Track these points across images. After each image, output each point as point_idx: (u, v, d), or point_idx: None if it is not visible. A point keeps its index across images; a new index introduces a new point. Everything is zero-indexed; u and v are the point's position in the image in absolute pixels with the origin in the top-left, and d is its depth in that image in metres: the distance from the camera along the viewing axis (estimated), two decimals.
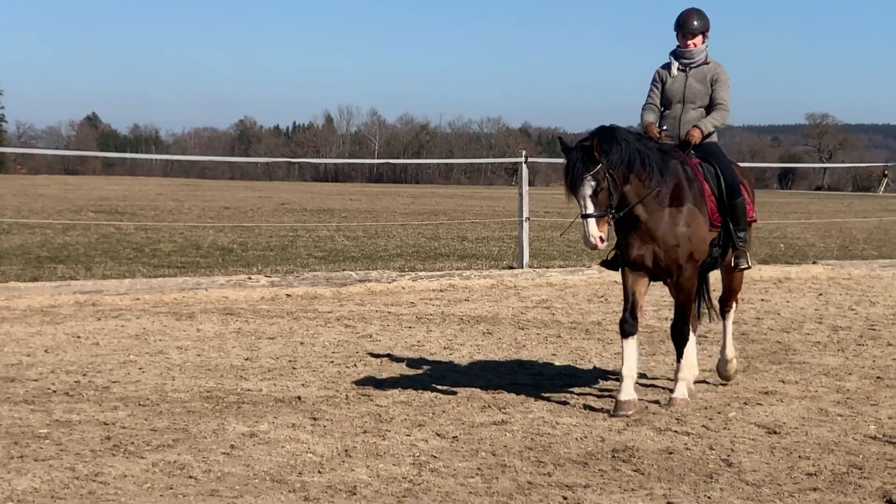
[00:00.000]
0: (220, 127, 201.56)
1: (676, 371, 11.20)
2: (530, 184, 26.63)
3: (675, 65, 11.65)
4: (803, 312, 17.33)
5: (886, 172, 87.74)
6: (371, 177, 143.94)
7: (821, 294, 19.85)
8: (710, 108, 11.58)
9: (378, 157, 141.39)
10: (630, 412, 10.49)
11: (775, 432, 9.98)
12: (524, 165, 23.98)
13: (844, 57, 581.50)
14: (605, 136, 10.27)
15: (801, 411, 10.82)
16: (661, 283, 11.16)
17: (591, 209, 10.08)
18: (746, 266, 11.54)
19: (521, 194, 23.75)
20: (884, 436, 9.90)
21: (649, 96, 11.77)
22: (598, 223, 10.07)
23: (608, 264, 11.39)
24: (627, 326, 10.82)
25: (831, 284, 21.31)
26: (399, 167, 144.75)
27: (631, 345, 10.87)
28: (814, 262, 24.13)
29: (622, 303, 10.94)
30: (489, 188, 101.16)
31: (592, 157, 10.10)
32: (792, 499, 8.08)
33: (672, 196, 10.63)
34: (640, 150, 10.39)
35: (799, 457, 9.21)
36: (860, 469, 8.85)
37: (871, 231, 36.95)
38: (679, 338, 11.15)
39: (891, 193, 76.30)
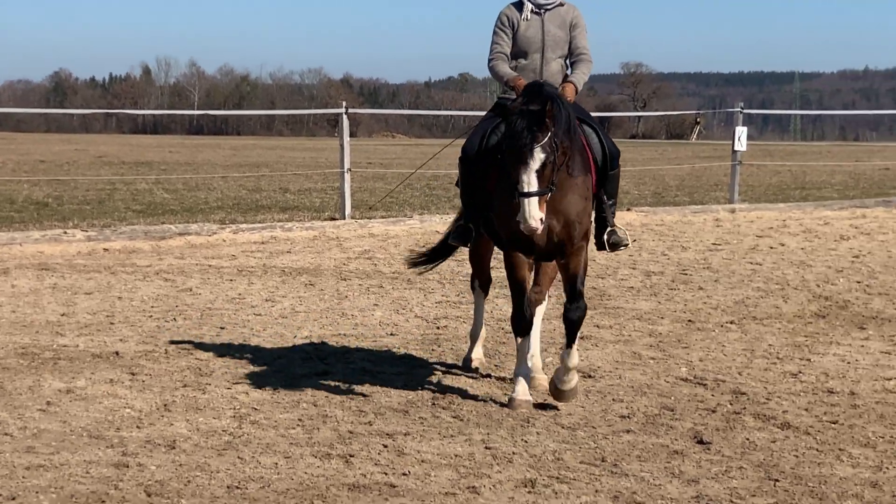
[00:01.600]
0: (35, 79, 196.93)
1: (564, 358, 9.19)
2: (352, 135, 26.60)
3: (529, 6, 9.69)
4: (617, 258, 17.61)
5: (699, 120, 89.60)
6: (191, 129, 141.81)
7: (634, 240, 20.20)
8: (571, 58, 9.88)
9: (198, 109, 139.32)
10: (524, 409, 9.11)
11: (590, 376, 10.18)
12: (345, 116, 23.88)
13: (658, 6, 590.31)
14: (555, 98, 8.65)
15: (616, 355, 11.05)
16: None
17: (534, 186, 8.45)
18: (626, 244, 9.82)
19: (342, 146, 23.66)
20: (695, 378, 10.16)
21: (496, 44, 9.77)
22: (539, 202, 8.46)
23: (459, 237, 9.88)
24: (525, 323, 9.41)
25: (645, 230, 21.68)
26: (220, 119, 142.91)
27: (527, 342, 9.50)
28: (628, 209, 24.45)
29: (512, 295, 9.48)
30: (311, 139, 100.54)
31: (543, 123, 8.48)
32: (606, 441, 8.27)
33: (577, 165, 9.10)
34: (570, 114, 8.83)
35: (613, 400, 9.43)
36: (672, 410, 9.09)
37: (684, 178, 37.62)
38: (579, 321, 9.23)
39: (703, 141, 77.68)
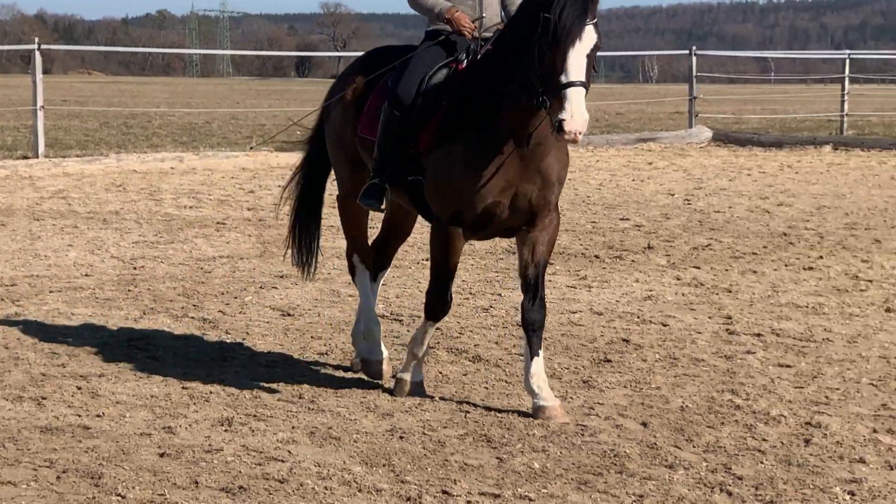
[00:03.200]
0: None
1: (531, 373, 7.59)
2: (47, 72, 25.88)
3: None
4: None
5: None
6: None
7: (335, 179, 20.24)
8: None
9: None
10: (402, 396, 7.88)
11: (289, 314, 10.21)
12: (37, 53, 23.23)
13: None
14: None
15: (315, 293, 11.11)
16: None
17: (583, 75, 6.95)
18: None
19: (34, 83, 23.05)
20: (391, 314, 10.35)
21: None
22: None
23: (372, 198, 7.97)
24: (446, 309, 7.93)
25: None
26: None
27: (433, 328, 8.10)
28: None
29: (439, 278, 7.80)
30: (5, 76, 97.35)
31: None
32: (304, 378, 8.32)
33: None
34: None
35: (311, 337, 9.50)
36: None
37: None
38: (543, 321, 7.77)
39: None
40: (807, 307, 10.74)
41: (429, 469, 6.53)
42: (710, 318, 10.35)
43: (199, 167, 22.07)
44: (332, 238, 14.16)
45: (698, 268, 12.69)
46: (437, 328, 9.50)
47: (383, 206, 8.08)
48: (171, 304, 10.53)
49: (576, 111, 6.80)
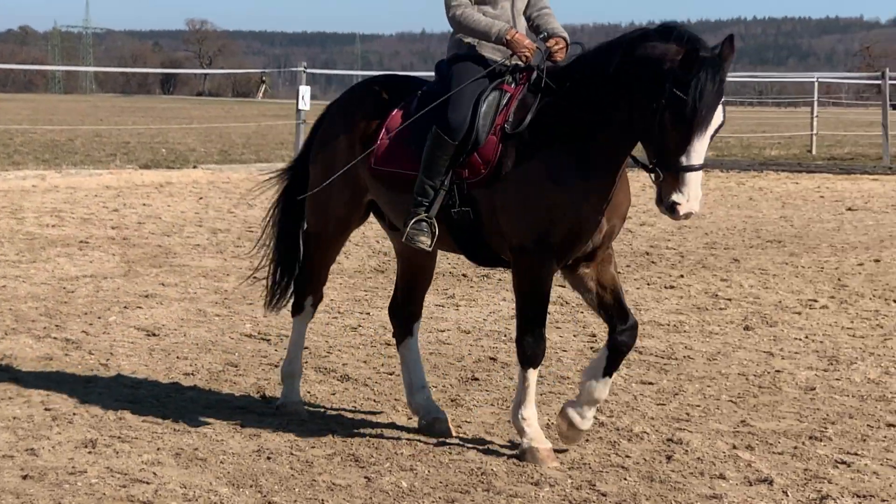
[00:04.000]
0: None
1: (596, 388, 7.24)
2: None
3: None
4: (184, 216, 17.53)
5: (264, 79, 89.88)
6: None
7: (201, 198, 20.12)
8: (535, 10, 7.63)
9: None
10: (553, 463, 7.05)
11: (154, 334, 10.11)
12: None
13: None
14: (729, 40, 6.75)
15: (181, 313, 11.01)
16: None
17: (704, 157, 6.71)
18: None
19: None
20: (259, 333, 10.25)
21: None
22: None
23: (425, 235, 7.27)
24: (544, 350, 7.38)
25: (211, 188, 21.63)
26: None
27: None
28: (194, 167, 24.39)
29: (536, 318, 7.27)
30: None
31: (724, 76, 6.73)
32: (169, 398, 8.24)
33: None
34: None
35: (177, 357, 9.41)
36: (236, 366, 9.14)
37: (250, 136, 37.69)
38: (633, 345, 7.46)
39: (269, 100, 78.05)
40: (668, 325, 10.89)
41: (296, 489, 6.51)
42: (574, 335, 10.46)
43: (61, 185, 21.73)
44: (199, 257, 14.08)
45: (563, 286, 12.74)
46: (304, 348, 9.49)
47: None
48: (34, 324, 10.36)
49: (693, 195, 6.56)
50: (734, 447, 7.36)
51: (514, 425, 7.27)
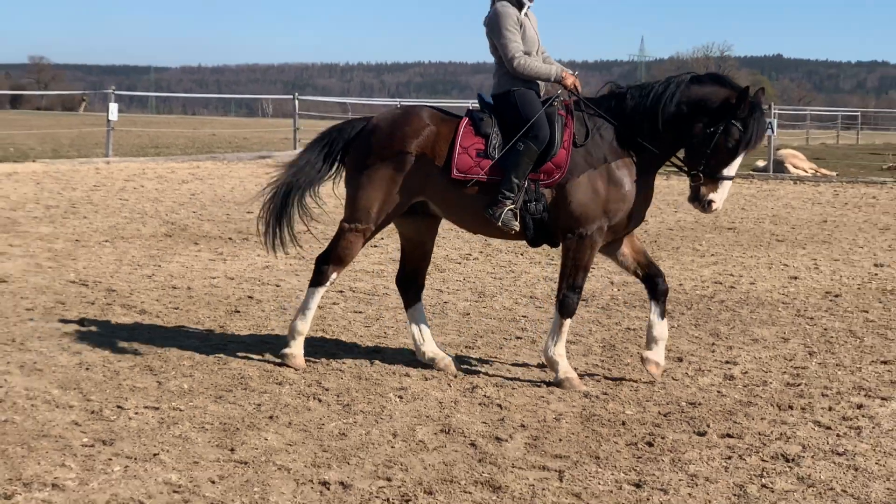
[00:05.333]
0: None
1: (661, 331, 6.99)
2: None
3: (526, 5, 7.04)
4: (26, 196, 16.63)
5: (84, 98, 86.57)
6: None
7: (38, 183, 19.12)
8: (542, 56, 7.20)
9: None
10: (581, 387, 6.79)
11: (4, 281, 9.59)
12: None
13: (68, 7, 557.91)
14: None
15: (23, 266, 10.48)
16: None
17: None
18: None
19: None
20: (80, 280, 9.85)
21: (515, 42, 6.91)
22: None
23: (512, 219, 6.81)
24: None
25: (45, 176, 20.57)
26: None
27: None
28: (34, 161, 23.15)
29: (581, 281, 6.88)
30: None
31: None
32: (16, 327, 7.86)
33: None
34: None
35: (21, 297, 8.95)
36: (63, 304, 8.76)
37: (74, 139, 35.94)
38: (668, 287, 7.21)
39: (89, 113, 74.80)
40: (373, 272, 10.95)
41: (107, 391, 6.31)
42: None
43: None
44: (37, 226, 13.43)
45: (301, 246, 12.68)
46: (113, 290, 9.18)
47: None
48: None
49: (723, 197, 6.67)
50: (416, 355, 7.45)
51: (548, 361, 6.87)
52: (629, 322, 8.78)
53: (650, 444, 5.65)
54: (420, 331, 7.21)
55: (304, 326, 7.09)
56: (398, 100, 38.52)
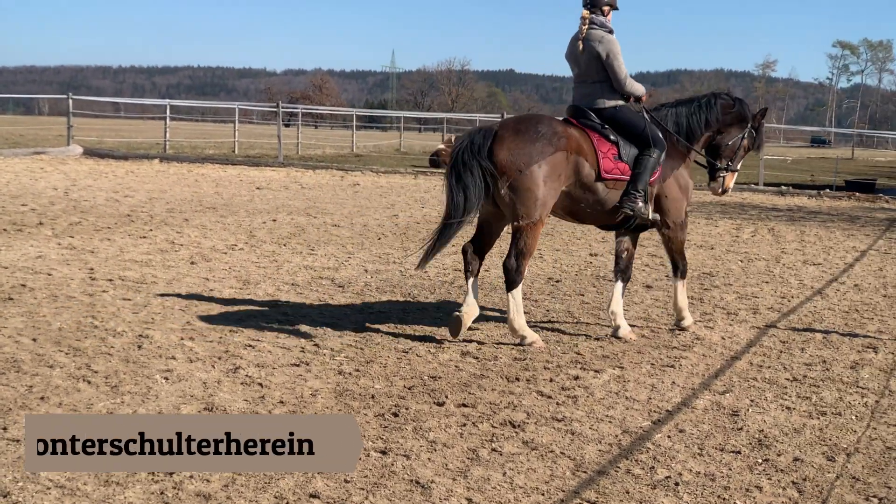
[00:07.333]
0: None
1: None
2: None
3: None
4: None
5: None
6: None
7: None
8: None
9: None
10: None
11: None
12: None
13: None
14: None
15: None
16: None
17: None
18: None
19: None
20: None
21: (624, 66, 7.52)
22: None
23: (645, 205, 7.60)
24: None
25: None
26: None
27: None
28: None
29: (683, 249, 8.12)
30: None
31: None
32: None
33: None
34: None
35: None
36: None
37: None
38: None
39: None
40: (142, 262, 10.53)
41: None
42: (79, 269, 9.88)
43: None
44: None
45: (73, 237, 12.07)
46: None
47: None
48: None
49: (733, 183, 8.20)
50: (181, 339, 7.22)
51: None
52: (381, 307, 8.84)
53: (395, 415, 5.69)
54: (474, 295, 7.32)
55: (522, 319, 7.33)
56: (167, 101, 37.12)
